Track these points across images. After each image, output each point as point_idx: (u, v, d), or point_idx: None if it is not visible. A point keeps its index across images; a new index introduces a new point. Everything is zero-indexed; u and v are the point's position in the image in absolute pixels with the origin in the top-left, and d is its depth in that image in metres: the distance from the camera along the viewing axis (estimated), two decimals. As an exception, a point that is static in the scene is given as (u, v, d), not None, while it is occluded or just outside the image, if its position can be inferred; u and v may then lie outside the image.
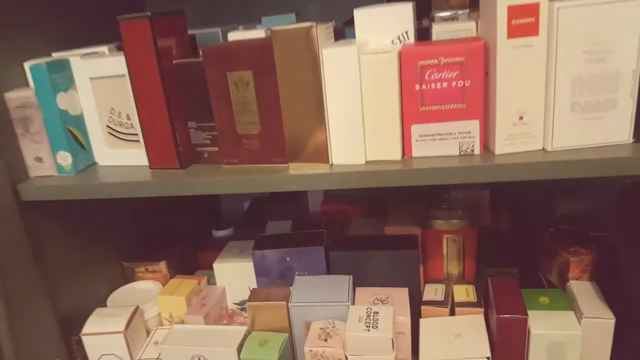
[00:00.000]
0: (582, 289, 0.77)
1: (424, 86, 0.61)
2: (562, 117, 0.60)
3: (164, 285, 0.92)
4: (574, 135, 0.61)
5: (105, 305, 0.88)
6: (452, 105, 0.61)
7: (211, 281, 0.96)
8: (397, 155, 0.63)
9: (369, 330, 0.71)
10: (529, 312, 0.72)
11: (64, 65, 0.70)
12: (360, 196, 1.16)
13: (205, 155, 0.69)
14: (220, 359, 0.78)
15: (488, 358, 0.71)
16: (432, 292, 0.83)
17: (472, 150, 0.62)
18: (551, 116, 0.60)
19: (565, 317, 0.73)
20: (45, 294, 0.77)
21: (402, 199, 1.01)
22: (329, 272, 0.86)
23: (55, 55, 0.75)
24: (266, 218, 1.06)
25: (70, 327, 0.81)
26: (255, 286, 0.88)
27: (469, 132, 0.62)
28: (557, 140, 0.61)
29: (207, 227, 1.14)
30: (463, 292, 0.82)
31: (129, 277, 0.97)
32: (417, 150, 0.63)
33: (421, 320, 0.78)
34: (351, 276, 0.84)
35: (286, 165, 0.65)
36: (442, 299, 0.81)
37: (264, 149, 0.65)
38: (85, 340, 0.79)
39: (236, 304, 0.95)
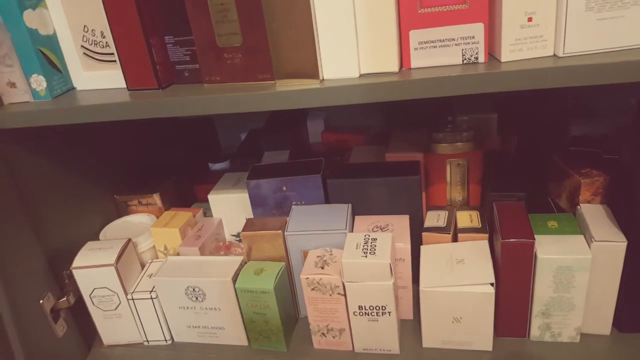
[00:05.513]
0: (593, 212, 0.73)
1: (422, -15, 0.55)
2: (576, 17, 0.54)
3: (158, 218, 0.90)
4: (589, 38, 0.55)
5: (97, 240, 0.86)
6: (454, 6, 0.54)
7: (208, 214, 0.94)
8: (394, 67, 0.58)
9: (366, 256, 0.68)
10: (536, 236, 0.69)
11: (30, -21, 0.64)
12: (362, 126, 1.11)
13: (186, 74, 0.64)
14: (216, 290, 0.76)
15: (492, 284, 0.68)
16: (434, 218, 0.79)
17: (476, 58, 0.57)
18: (564, 16, 0.54)
19: (574, 241, 0.70)
20: (31, 228, 0.75)
21: (405, 126, 0.96)
22: (327, 202, 0.83)
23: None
24: (264, 150, 1.02)
25: (62, 262, 0.79)
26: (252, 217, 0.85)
27: (473, 37, 0.56)
28: (569, 44, 0.55)
29: (204, 160, 1.11)
30: (467, 218, 0.78)
31: (122, 211, 0.95)
32: (416, 60, 0.58)
33: (422, 247, 0.75)
34: (350, 205, 0.80)
35: (273, 82, 0.60)
36: (444, 225, 0.77)
37: (248, 64, 0.60)
38: (76, 274, 0.77)
39: (234, 235, 0.93)
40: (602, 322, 0.73)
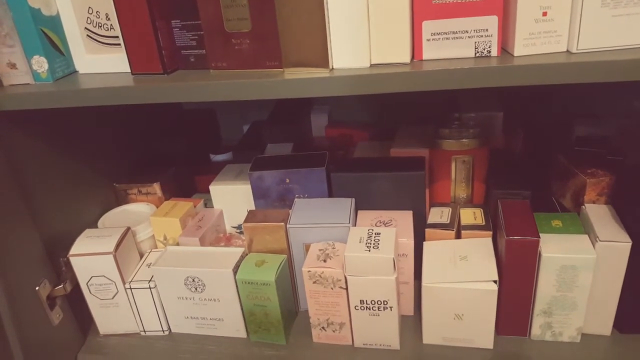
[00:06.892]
0: (598, 212, 0.73)
1: (437, -25, 0.54)
2: (591, 13, 0.53)
3: (157, 207, 0.89)
4: (604, 34, 0.54)
5: (96, 227, 0.85)
6: (468, -3, 0.54)
7: (208, 205, 0.93)
8: (405, 57, 0.57)
9: (369, 250, 0.67)
10: (540, 235, 0.68)
11: (34, -43, 0.63)
12: (366, 120, 1.10)
13: (192, 60, 0.63)
14: (216, 281, 0.75)
15: (495, 282, 0.68)
16: (438, 215, 0.79)
17: (489, 52, 0.56)
18: (579, 11, 0.53)
19: (578, 240, 0.69)
20: (28, 214, 0.74)
21: (410, 121, 0.95)
22: (330, 196, 0.82)
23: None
24: (266, 142, 1.01)
25: (59, 250, 0.78)
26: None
27: (486, 30, 0.55)
28: (583, 40, 0.54)
29: (206, 151, 1.10)
30: (470, 215, 0.78)
31: (121, 199, 0.94)
32: (428, 52, 0.57)
33: (425, 243, 0.75)
34: (353, 199, 0.80)
35: (281, 70, 0.59)
36: (448, 221, 0.77)
37: (256, 50, 0.58)
38: (74, 261, 0.76)
39: (234, 227, 0.92)
40: (603, 323, 0.73)
